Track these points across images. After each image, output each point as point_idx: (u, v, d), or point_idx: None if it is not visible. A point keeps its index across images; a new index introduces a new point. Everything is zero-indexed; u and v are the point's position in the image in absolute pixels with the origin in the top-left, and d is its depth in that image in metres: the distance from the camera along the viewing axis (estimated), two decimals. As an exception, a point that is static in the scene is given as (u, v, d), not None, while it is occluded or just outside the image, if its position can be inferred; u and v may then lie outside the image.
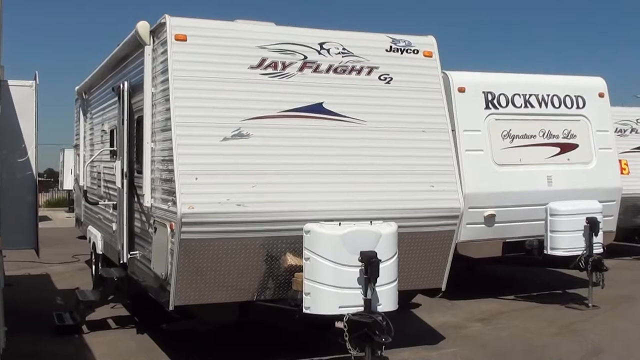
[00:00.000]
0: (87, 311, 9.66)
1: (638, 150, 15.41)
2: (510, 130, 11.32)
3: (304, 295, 6.69)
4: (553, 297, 11.61)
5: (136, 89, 8.56)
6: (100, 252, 11.04)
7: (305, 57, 7.65)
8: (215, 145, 7.11)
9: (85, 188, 11.98)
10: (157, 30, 7.67)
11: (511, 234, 11.18)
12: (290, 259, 7.19)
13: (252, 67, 7.44)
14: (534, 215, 10.96)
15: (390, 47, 8.07)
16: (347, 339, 6.43)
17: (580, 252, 10.58)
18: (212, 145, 7.10)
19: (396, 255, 6.81)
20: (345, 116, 7.68)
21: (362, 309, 6.51)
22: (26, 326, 9.23)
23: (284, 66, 7.55)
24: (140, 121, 8.25)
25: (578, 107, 11.93)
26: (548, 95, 11.72)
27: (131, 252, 8.64)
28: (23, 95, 9.35)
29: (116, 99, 9.41)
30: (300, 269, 6.92)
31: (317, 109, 7.59)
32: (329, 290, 6.54)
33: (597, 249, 10.65)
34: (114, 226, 9.64)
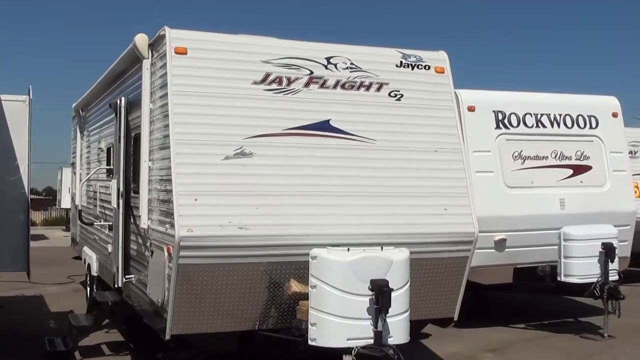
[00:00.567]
0: (80, 337, 9.38)
1: (649, 172, 15.01)
2: (521, 151, 10.95)
3: (309, 326, 6.28)
4: (565, 326, 11.19)
5: (134, 105, 8.22)
6: (95, 274, 10.72)
7: (312, 72, 7.29)
8: (216, 164, 6.72)
9: (80, 208, 11.63)
10: (156, 43, 7.34)
11: (522, 259, 10.79)
12: (295, 286, 6.79)
13: (255, 83, 7.08)
14: (546, 240, 10.55)
15: (401, 62, 7.71)
16: (355, 373, 5.99)
17: (595, 279, 10.17)
18: (213, 164, 6.72)
19: (408, 284, 6.40)
20: (353, 134, 7.30)
21: (372, 341, 6.10)
22: (16, 351, 8.95)
23: (289, 82, 7.20)
24: (137, 138, 7.90)
25: (591, 127, 11.57)
26: (560, 115, 11.36)
27: (126, 276, 8.26)
28: (16, 110, 9.02)
29: (113, 115, 9.10)
30: (305, 296, 6.53)
31: (324, 126, 7.21)
32: (337, 321, 6.13)
33: (613, 276, 10.28)
34: (110, 248, 9.29)
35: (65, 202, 27.36)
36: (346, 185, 7.13)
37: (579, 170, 11.34)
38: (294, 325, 6.73)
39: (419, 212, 7.35)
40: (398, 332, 6.26)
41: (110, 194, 8.98)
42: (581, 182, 11.32)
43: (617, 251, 10.26)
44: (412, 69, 7.75)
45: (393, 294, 6.10)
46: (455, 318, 7.83)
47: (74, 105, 13.74)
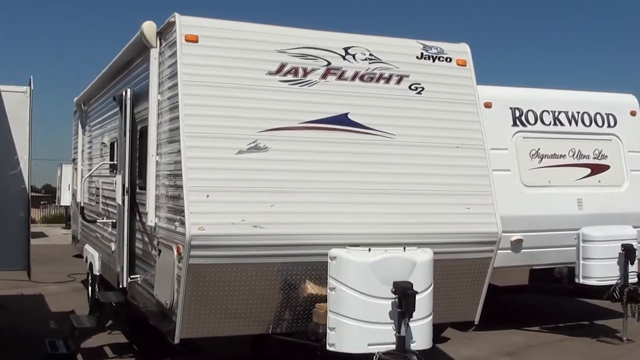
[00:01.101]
0: (82, 338, 9.04)
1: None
2: (538, 149, 10.63)
3: (327, 331, 5.94)
4: (582, 329, 10.86)
5: (140, 96, 7.87)
6: (98, 274, 10.38)
7: (329, 63, 6.95)
8: (229, 158, 6.38)
9: (82, 204, 11.29)
10: (165, 31, 7.00)
11: (539, 260, 10.47)
12: (311, 288, 6.47)
13: (270, 73, 6.74)
14: (564, 240, 10.23)
15: (422, 54, 7.37)
16: (377, 381, 5.66)
17: (614, 282, 9.87)
18: (225, 158, 6.38)
19: (432, 286, 6.06)
20: (372, 129, 6.96)
21: (394, 347, 5.77)
22: (16, 354, 8.67)
23: (306, 73, 6.86)
24: (144, 132, 7.56)
25: (609, 125, 11.25)
26: (578, 113, 11.03)
27: (131, 276, 7.92)
28: (16, 102, 8.66)
29: (117, 109, 8.76)
30: (321, 298, 6.22)
31: (342, 120, 6.88)
32: (357, 325, 5.80)
33: (632, 278, 9.97)
34: (113, 246, 8.96)
35: (65, 200, 27.14)
36: (365, 182, 6.80)
37: (596, 169, 11.03)
38: (310, 329, 6.40)
39: (440, 210, 7.02)
40: (421, 337, 5.93)
41: (114, 190, 8.67)
42: (599, 181, 11.01)
43: (637, 253, 9.97)
44: (433, 61, 7.41)
45: (417, 297, 5.77)
46: (477, 322, 7.51)
47: (75, 99, 13.41)
